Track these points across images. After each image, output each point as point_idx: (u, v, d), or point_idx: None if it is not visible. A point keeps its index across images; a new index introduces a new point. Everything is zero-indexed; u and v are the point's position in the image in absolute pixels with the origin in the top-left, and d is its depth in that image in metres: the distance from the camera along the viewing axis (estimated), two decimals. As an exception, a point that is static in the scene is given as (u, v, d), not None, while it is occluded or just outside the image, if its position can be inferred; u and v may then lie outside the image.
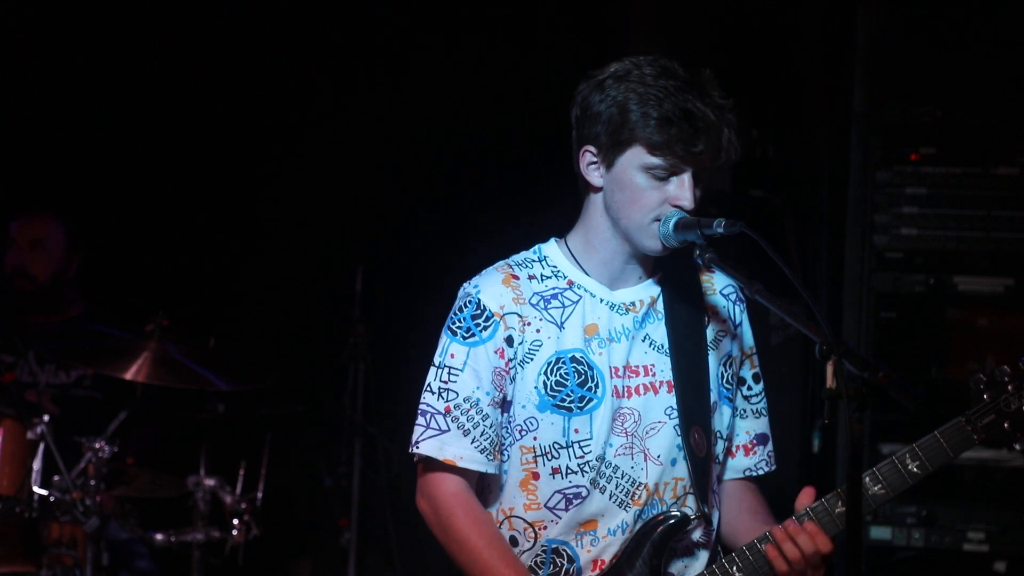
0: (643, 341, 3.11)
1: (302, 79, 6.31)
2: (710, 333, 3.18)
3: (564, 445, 3.06)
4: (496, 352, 3.05)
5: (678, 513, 3.06)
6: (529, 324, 3.06)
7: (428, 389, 3.08)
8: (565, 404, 3.05)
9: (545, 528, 3.08)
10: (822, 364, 2.69)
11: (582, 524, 3.07)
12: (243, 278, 6.34)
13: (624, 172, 3.02)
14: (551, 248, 3.16)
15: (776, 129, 5.55)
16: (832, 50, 5.33)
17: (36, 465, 4.84)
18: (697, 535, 3.12)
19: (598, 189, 3.08)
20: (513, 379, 3.06)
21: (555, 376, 3.06)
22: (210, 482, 5.26)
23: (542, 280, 3.11)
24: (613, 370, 3.07)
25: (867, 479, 2.99)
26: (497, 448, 3.07)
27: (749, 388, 3.24)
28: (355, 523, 6.00)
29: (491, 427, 3.05)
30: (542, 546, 3.08)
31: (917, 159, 5.00)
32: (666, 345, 3.12)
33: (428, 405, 3.07)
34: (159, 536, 5.19)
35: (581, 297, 3.10)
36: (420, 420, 3.07)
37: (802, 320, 2.83)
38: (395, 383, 5.99)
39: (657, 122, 2.96)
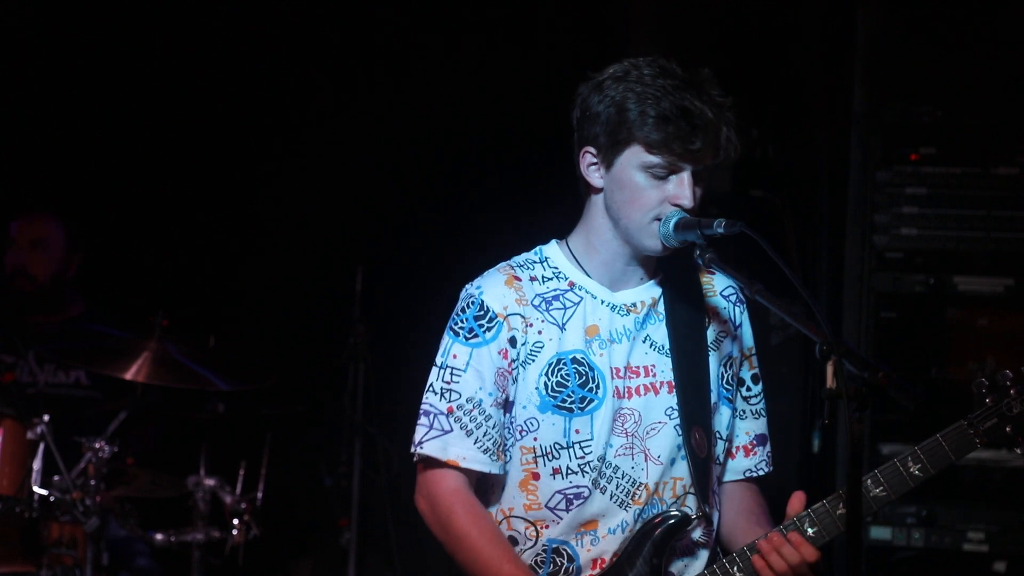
0: (644, 342, 3.12)
1: (302, 79, 6.30)
2: (711, 334, 3.18)
3: (565, 446, 3.06)
4: (500, 353, 3.05)
5: (679, 512, 3.07)
6: (531, 325, 3.07)
7: (430, 389, 3.08)
8: (566, 405, 3.05)
9: (546, 528, 3.08)
10: (822, 364, 2.69)
11: (583, 524, 3.07)
12: (243, 278, 6.34)
13: (623, 172, 3.02)
14: (552, 249, 3.17)
15: (776, 129, 5.55)
16: (832, 50, 5.33)
17: (36, 465, 4.84)
18: (697, 534, 3.13)
19: (599, 190, 3.08)
20: (515, 380, 3.06)
21: (556, 377, 3.06)
22: (210, 482, 5.26)
23: (543, 281, 3.11)
24: (614, 371, 3.07)
25: (868, 481, 2.99)
26: (501, 448, 3.07)
27: (748, 389, 3.25)
28: (355, 523, 6.00)
29: (494, 427, 3.05)
30: (543, 546, 3.08)
31: (917, 159, 5.00)
32: (667, 346, 3.12)
33: (431, 405, 3.07)
34: (159, 536, 5.18)
35: (582, 298, 3.10)
36: (423, 420, 3.07)
37: (802, 320, 2.83)
38: (395, 383, 5.99)
39: (655, 120, 2.96)
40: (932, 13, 5.00)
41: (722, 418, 3.18)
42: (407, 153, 6.14)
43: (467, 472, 3.06)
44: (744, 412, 3.24)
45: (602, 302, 3.10)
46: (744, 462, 3.24)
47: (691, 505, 3.11)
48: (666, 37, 5.58)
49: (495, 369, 3.05)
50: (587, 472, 3.05)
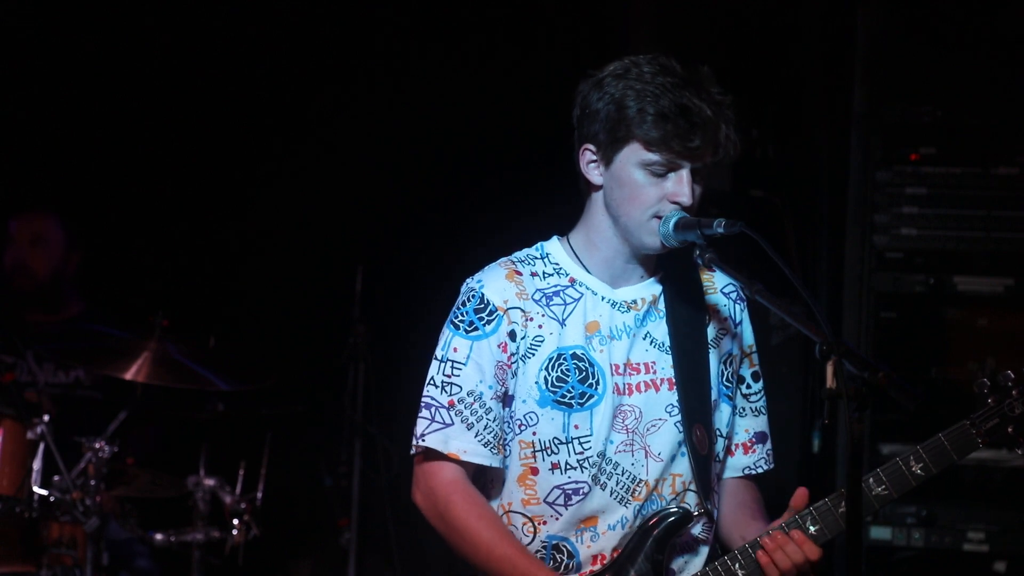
0: (644, 339, 3.12)
1: (302, 79, 6.30)
2: (711, 331, 3.19)
3: (563, 441, 3.06)
4: (499, 346, 3.06)
5: (681, 509, 3.07)
6: (531, 320, 3.07)
7: (431, 383, 3.09)
8: (565, 400, 3.06)
9: (545, 523, 3.09)
10: (822, 364, 2.69)
11: (583, 520, 3.08)
12: (243, 278, 6.34)
13: (622, 169, 3.03)
14: (553, 246, 3.17)
15: (776, 129, 5.56)
16: (832, 50, 5.33)
17: (36, 465, 4.84)
18: (698, 531, 3.13)
19: (598, 187, 3.09)
20: (515, 374, 3.07)
21: (556, 372, 3.06)
22: (210, 482, 5.26)
23: (544, 277, 3.12)
24: (614, 367, 3.08)
25: (871, 479, 3.01)
26: (501, 441, 3.07)
27: (748, 387, 3.25)
28: (355, 523, 6.00)
29: (494, 420, 3.06)
30: (542, 542, 3.09)
31: (917, 159, 5.00)
32: (667, 343, 3.13)
33: (431, 399, 3.08)
34: (159, 536, 5.18)
35: (583, 295, 3.11)
36: (424, 413, 3.08)
37: (802, 320, 2.83)
38: (395, 383, 5.99)
39: (653, 118, 2.96)
40: (932, 13, 5.00)
41: (722, 415, 3.19)
42: (407, 153, 6.14)
43: (466, 465, 3.07)
44: (744, 410, 3.24)
45: (602, 299, 3.11)
46: (743, 459, 3.24)
47: (690, 502, 3.11)
48: (666, 37, 5.58)
49: (495, 362, 3.05)
50: (586, 468, 3.06)
